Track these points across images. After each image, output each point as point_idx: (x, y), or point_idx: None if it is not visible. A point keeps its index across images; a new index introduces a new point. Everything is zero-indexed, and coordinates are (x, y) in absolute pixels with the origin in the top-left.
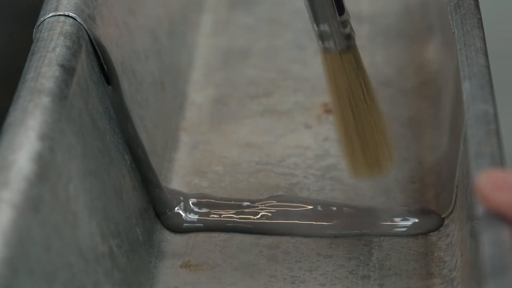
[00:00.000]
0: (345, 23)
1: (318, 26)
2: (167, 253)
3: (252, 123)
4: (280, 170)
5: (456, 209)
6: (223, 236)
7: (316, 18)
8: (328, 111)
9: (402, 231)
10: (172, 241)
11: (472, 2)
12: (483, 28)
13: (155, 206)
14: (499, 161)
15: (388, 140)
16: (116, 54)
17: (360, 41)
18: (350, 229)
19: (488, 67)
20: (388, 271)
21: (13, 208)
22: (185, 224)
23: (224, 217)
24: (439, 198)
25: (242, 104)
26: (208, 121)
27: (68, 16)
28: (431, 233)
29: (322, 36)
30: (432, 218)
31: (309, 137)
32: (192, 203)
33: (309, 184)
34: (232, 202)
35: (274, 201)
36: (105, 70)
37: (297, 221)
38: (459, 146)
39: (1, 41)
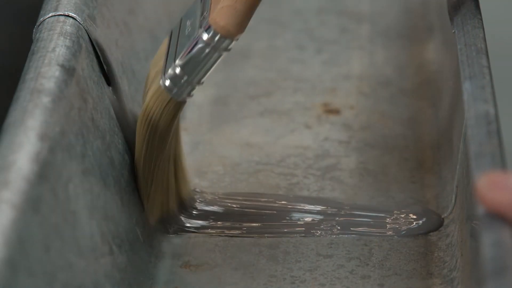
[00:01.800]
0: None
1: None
2: (167, 253)
3: (252, 123)
4: (280, 170)
5: (456, 209)
6: (223, 236)
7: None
8: (328, 111)
9: (403, 232)
10: (172, 241)
11: (472, 2)
12: (483, 28)
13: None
14: (499, 162)
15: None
16: (116, 54)
17: (360, 41)
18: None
19: (488, 67)
20: (388, 271)
21: (13, 208)
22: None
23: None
24: (439, 198)
25: (242, 104)
26: (208, 121)
27: (68, 16)
28: (431, 233)
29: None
30: (432, 218)
31: (309, 137)
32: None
33: (309, 184)
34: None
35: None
36: (105, 70)
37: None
38: (459, 146)
39: (1, 41)
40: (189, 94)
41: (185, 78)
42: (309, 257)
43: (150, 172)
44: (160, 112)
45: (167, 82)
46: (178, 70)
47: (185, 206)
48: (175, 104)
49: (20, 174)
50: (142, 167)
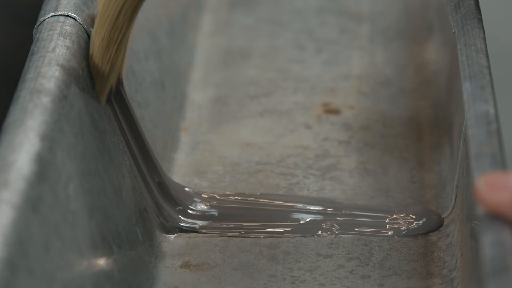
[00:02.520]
0: None
1: None
2: (167, 253)
3: (252, 123)
4: (280, 170)
5: (456, 209)
6: (223, 236)
7: None
8: (328, 111)
9: (403, 232)
10: (172, 241)
11: (472, 2)
12: (483, 28)
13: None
14: (499, 162)
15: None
16: None
17: (360, 41)
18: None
19: (488, 67)
20: (388, 271)
21: (13, 208)
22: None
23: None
24: (439, 198)
25: (242, 104)
26: (208, 121)
27: (68, 16)
28: (431, 233)
29: None
30: (432, 218)
31: (309, 137)
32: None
33: (309, 184)
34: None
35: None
36: None
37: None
38: (459, 146)
39: (1, 41)
40: None
41: None
42: (309, 257)
43: (110, 51)
44: None
45: None
46: None
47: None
48: None
49: (20, 174)
50: (105, 45)
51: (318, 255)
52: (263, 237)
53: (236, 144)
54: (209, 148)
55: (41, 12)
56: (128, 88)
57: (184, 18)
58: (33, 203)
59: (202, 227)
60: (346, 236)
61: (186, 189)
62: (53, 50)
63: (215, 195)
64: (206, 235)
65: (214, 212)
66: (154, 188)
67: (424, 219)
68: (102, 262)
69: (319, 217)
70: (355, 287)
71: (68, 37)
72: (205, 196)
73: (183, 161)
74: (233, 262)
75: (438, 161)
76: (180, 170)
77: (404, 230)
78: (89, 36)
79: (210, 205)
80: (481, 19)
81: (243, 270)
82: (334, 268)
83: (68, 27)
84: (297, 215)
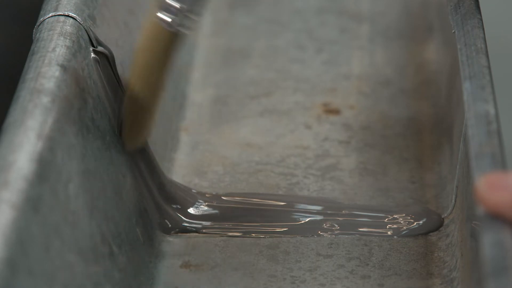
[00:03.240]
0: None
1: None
2: (167, 253)
3: (252, 123)
4: (280, 170)
5: (456, 209)
6: (223, 236)
7: None
8: (328, 111)
9: (403, 232)
10: (172, 241)
11: (472, 2)
12: (483, 28)
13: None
14: (499, 162)
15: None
16: (116, 54)
17: (360, 41)
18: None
19: (488, 67)
20: (388, 271)
21: (13, 208)
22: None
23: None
24: (439, 198)
25: (242, 104)
26: (208, 121)
27: (68, 16)
28: (431, 233)
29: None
30: (432, 218)
31: (309, 137)
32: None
33: (309, 184)
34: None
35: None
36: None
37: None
38: (459, 146)
39: (1, 41)
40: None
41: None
42: (309, 257)
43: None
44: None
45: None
46: None
47: None
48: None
49: (20, 174)
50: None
51: (318, 255)
52: (263, 237)
53: (236, 144)
54: (209, 148)
55: (41, 12)
56: None
57: None
58: (33, 203)
59: (202, 227)
60: (346, 236)
61: (186, 189)
62: (53, 50)
63: (215, 195)
64: (206, 235)
65: (215, 212)
66: (154, 188)
67: (424, 219)
68: (102, 262)
69: (319, 217)
70: (355, 287)
71: (68, 37)
72: (205, 196)
73: (183, 161)
74: (233, 262)
75: (438, 161)
76: (180, 170)
77: (404, 230)
78: (89, 36)
79: (210, 205)
80: (481, 19)
81: (243, 270)
82: (334, 268)
83: (68, 27)
84: (297, 215)
